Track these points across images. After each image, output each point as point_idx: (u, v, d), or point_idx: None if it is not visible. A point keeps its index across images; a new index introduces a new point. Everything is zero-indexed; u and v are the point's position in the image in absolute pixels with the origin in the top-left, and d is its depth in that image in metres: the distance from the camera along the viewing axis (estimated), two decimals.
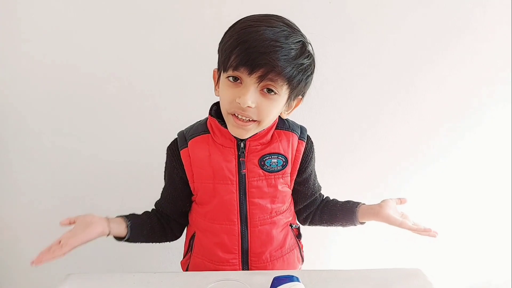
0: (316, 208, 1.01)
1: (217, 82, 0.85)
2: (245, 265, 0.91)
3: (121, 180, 1.37)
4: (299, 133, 0.92)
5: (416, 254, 1.49)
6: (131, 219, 0.91)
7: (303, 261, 1.04)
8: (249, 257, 0.92)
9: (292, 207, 1.00)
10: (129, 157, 1.35)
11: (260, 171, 0.88)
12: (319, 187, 1.02)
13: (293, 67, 0.75)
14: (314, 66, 0.82)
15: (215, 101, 0.90)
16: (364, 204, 0.97)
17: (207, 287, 0.75)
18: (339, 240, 1.41)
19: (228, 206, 0.88)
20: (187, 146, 0.89)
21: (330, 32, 1.26)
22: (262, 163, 0.88)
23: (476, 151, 1.42)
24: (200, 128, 0.90)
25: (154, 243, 0.98)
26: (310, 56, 0.80)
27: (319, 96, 1.31)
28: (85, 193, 1.39)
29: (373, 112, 1.36)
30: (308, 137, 0.94)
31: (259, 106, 0.78)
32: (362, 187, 1.42)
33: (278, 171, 0.89)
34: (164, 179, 0.97)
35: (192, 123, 0.94)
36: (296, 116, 0.96)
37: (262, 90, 0.77)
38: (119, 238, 0.91)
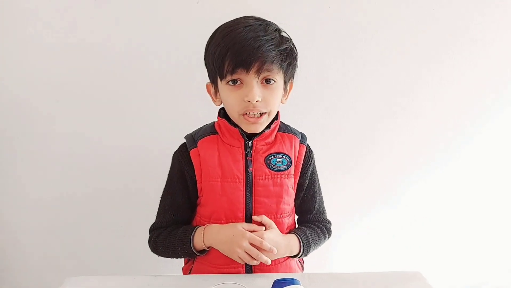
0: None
1: (215, 93, 0.91)
2: (249, 269, 0.91)
3: (122, 183, 1.37)
4: (300, 138, 0.97)
5: (416, 256, 1.49)
6: None
7: (303, 268, 1.05)
8: None
9: (294, 215, 1.01)
10: (134, 157, 1.35)
11: (267, 169, 0.91)
12: (321, 214, 1.03)
13: (280, 53, 0.84)
14: (295, 48, 0.89)
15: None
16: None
17: None
18: (339, 243, 1.41)
19: (235, 204, 0.90)
20: (197, 146, 0.92)
21: (330, 37, 1.27)
22: (268, 162, 0.91)
23: (477, 156, 1.42)
24: (208, 130, 0.95)
25: None
26: (289, 40, 0.88)
27: (319, 101, 1.32)
28: (85, 193, 1.38)
29: (374, 117, 1.36)
30: (308, 145, 0.98)
31: (265, 98, 0.84)
32: (363, 192, 1.42)
33: (283, 170, 0.92)
34: (164, 192, 0.98)
35: (199, 126, 0.98)
36: (297, 122, 1.00)
37: (262, 82, 0.84)
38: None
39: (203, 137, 0.93)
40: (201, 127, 0.98)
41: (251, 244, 0.84)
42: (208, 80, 0.92)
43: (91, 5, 1.21)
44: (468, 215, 1.48)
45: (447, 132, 1.40)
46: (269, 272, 0.91)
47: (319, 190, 1.03)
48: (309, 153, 0.98)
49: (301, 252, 0.93)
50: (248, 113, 0.85)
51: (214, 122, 0.96)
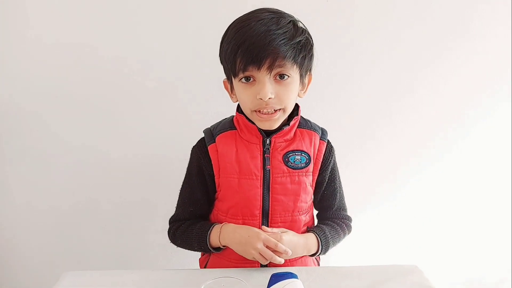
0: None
1: (231, 90, 0.90)
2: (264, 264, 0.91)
3: (120, 179, 1.37)
4: (321, 134, 0.95)
5: (413, 250, 1.49)
6: None
7: (319, 264, 1.05)
8: None
9: (312, 211, 1.00)
10: (130, 154, 1.35)
11: (284, 167, 0.90)
12: (341, 211, 1.02)
13: (294, 47, 0.80)
14: (311, 39, 0.86)
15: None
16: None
17: (205, 283, 0.75)
18: None
19: (252, 201, 0.90)
20: (215, 142, 0.91)
21: (327, 32, 1.26)
22: (287, 159, 0.90)
23: (474, 151, 1.42)
24: (227, 125, 0.94)
25: None
26: (304, 31, 0.84)
27: (318, 95, 1.32)
28: (84, 187, 1.38)
29: (372, 114, 1.36)
30: (329, 141, 0.97)
31: (278, 94, 0.82)
32: (361, 187, 1.42)
33: (302, 168, 0.91)
34: (183, 185, 0.98)
35: (218, 120, 0.97)
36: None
37: (275, 78, 0.82)
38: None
39: (222, 132, 0.92)
40: (220, 121, 0.97)
41: (266, 246, 0.83)
42: (225, 77, 0.91)
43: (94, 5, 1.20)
44: (466, 210, 1.49)
45: (445, 128, 1.40)
46: (283, 266, 0.90)
47: (340, 186, 1.01)
48: (329, 150, 0.96)
49: (319, 251, 0.92)
50: (261, 110, 0.84)
51: (233, 116, 0.95)
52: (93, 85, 1.27)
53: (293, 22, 0.83)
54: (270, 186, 0.90)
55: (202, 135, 0.95)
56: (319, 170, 0.94)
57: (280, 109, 0.84)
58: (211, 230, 0.90)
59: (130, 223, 1.39)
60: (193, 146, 0.95)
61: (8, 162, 1.35)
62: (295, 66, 0.82)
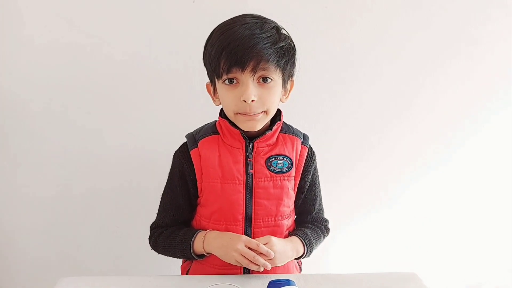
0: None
1: (214, 93, 0.91)
2: (247, 269, 0.90)
3: (118, 182, 1.36)
4: (302, 139, 0.96)
5: (413, 258, 1.49)
6: None
7: (301, 269, 1.05)
8: None
9: (293, 216, 1.01)
10: (130, 156, 1.34)
11: (267, 171, 0.90)
12: (320, 214, 1.03)
13: (277, 51, 0.82)
14: (294, 45, 0.88)
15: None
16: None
17: None
18: (335, 243, 1.41)
19: (235, 205, 0.89)
20: (197, 146, 0.91)
21: (326, 38, 1.26)
22: (269, 164, 0.90)
23: (473, 159, 1.42)
24: (209, 130, 0.94)
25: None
26: (286, 37, 0.86)
27: (318, 103, 1.32)
28: (81, 192, 1.37)
29: (373, 119, 1.36)
30: (310, 146, 0.97)
31: (261, 97, 0.83)
32: (360, 194, 1.42)
33: (284, 172, 0.91)
34: (165, 190, 0.98)
35: (201, 125, 0.97)
36: (299, 123, 0.99)
37: (258, 81, 0.83)
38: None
39: (204, 137, 0.92)
40: (203, 126, 0.97)
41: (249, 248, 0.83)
42: (208, 80, 0.92)
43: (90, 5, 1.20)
44: (466, 216, 1.48)
45: (446, 134, 1.39)
46: (267, 273, 0.91)
47: (319, 191, 1.02)
48: (311, 155, 0.96)
49: (305, 253, 0.93)
50: (245, 113, 0.84)
51: (215, 121, 0.95)
52: (97, 81, 1.27)
53: (277, 28, 0.85)
54: (253, 190, 0.90)
55: None
56: (301, 175, 0.95)
57: (263, 111, 0.85)
58: (195, 237, 0.90)
59: (129, 228, 1.38)
60: (175, 151, 0.95)
61: (6, 162, 1.34)
62: (278, 70, 0.84)
